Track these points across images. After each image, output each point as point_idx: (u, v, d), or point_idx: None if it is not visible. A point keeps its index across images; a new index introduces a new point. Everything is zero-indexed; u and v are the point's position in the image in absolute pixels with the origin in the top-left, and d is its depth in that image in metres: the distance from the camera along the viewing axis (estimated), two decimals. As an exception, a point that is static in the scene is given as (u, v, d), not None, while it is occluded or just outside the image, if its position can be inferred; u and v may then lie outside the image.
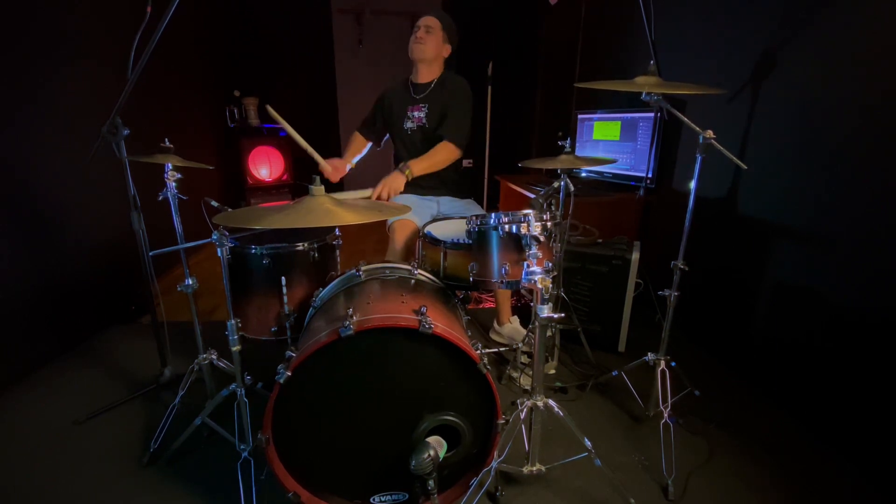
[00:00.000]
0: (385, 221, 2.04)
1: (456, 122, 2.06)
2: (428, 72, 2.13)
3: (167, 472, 1.45)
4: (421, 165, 2.00)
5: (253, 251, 1.53)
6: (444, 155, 2.04)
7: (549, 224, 1.42)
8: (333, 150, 4.83)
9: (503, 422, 1.24)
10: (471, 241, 1.48)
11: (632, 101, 2.44)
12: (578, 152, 2.80)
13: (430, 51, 2.07)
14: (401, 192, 2.01)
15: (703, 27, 2.18)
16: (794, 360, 1.75)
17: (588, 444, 1.31)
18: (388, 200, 1.92)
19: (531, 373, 1.33)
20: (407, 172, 1.95)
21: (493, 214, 1.40)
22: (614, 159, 2.60)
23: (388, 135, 2.30)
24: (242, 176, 4.08)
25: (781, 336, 1.81)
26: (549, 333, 1.90)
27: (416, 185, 2.16)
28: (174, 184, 1.50)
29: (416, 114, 2.14)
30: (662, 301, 1.58)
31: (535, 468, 1.32)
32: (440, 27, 2.07)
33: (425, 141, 2.13)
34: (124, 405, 1.76)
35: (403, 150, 2.21)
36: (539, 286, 1.14)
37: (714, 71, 2.11)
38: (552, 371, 2.01)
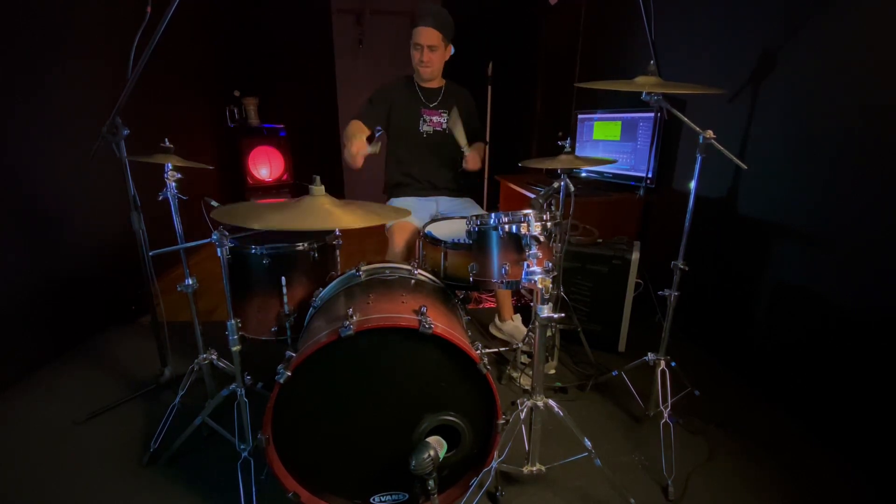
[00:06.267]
0: (384, 224, 2.04)
1: (480, 130, 2.31)
2: (437, 79, 2.16)
3: (167, 472, 1.45)
4: (480, 157, 2.11)
5: (253, 251, 1.53)
6: (483, 155, 2.20)
7: (549, 224, 1.42)
8: (333, 149, 4.85)
9: (503, 422, 1.24)
10: (471, 241, 1.48)
11: (632, 101, 2.43)
12: (578, 152, 2.79)
13: (436, 68, 2.08)
14: (402, 195, 2.09)
15: (703, 27, 2.18)
16: (794, 359, 1.75)
17: (588, 444, 1.31)
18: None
19: (531, 373, 1.33)
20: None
21: (493, 214, 1.40)
22: (614, 159, 2.60)
23: (379, 130, 2.17)
24: (242, 176, 4.08)
25: (781, 336, 1.81)
26: (549, 333, 1.90)
27: (416, 188, 2.18)
28: (174, 184, 1.50)
29: (433, 118, 2.15)
30: (662, 301, 1.58)
31: (535, 468, 1.32)
32: (440, 38, 1.99)
33: (437, 145, 2.14)
34: (124, 405, 1.76)
35: (409, 152, 2.18)
36: (539, 286, 1.14)
37: (714, 71, 2.11)
38: (552, 371, 2.01)
